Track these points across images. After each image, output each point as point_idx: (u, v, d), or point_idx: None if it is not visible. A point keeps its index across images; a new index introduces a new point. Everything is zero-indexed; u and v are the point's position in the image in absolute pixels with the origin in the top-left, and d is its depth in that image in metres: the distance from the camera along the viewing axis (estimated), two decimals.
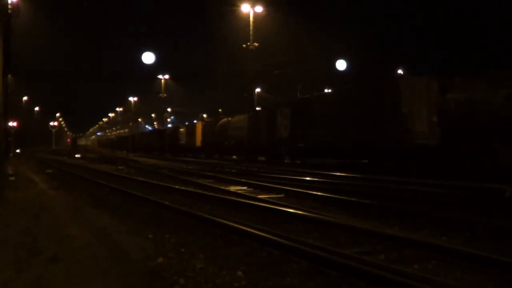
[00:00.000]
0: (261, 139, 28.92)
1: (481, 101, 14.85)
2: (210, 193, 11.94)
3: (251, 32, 37.34)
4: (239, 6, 37.15)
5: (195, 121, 60.44)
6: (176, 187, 13.61)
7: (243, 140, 31.89)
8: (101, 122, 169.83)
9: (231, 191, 12.60)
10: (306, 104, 24.44)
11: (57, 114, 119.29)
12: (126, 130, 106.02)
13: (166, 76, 63.36)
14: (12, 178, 17.74)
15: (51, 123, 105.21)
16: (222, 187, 13.48)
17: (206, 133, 40.61)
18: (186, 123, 63.70)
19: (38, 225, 7.97)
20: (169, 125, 71.74)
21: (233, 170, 20.97)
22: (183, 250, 6.12)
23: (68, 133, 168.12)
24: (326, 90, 34.85)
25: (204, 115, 77.47)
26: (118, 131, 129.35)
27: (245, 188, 13.77)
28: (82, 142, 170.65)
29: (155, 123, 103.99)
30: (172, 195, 12.13)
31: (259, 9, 37.24)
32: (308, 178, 15.55)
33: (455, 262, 5.25)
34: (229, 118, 36.77)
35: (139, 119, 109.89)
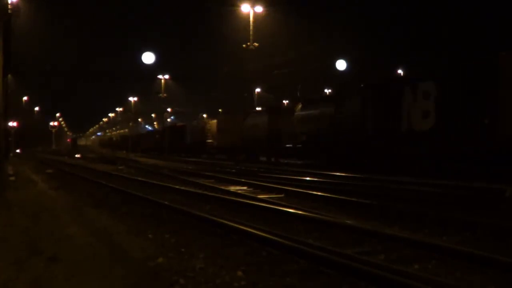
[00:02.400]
0: (363, 134, 18.62)
1: None
2: (210, 193, 11.94)
3: (251, 32, 37.36)
4: (239, 6, 37.19)
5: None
6: (176, 187, 13.60)
7: (322, 135, 21.21)
8: (101, 122, 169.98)
9: (231, 191, 12.60)
10: (477, 69, 14.26)
11: (57, 114, 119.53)
12: (127, 130, 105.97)
13: (166, 76, 63.38)
14: (12, 178, 17.75)
15: (51, 123, 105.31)
16: (222, 187, 13.48)
17: (250, 128, 30.35)
18: (220, 114, 50.23)
19: (38, 225, 7.97)
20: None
21: (233, 170, 20.96)
22: (183, 250, 6.12)
23: (68, 133, 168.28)
24: (326, 90, 34.51)
25: (204, 115, 77.44)
26: (118, 131, 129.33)
27: (245, 188, 13.77)
28: (82, 142, 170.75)
29: (155, 123, 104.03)
30: (172, 195, 12.13)
31: (259, 9, 37.29)
32: (308, 178, 15.53)
33: (455, 262, 5.25)
34: (297, 105, 26.07)
35: (139, 119, 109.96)
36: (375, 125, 18.20)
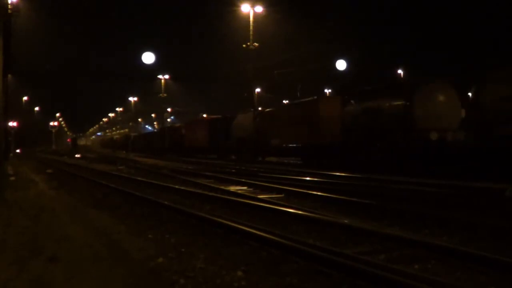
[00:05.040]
0: None
1: None
2: (210, 193, 11.94)
3: (251, 32, 37.33)
4: (239, 6, 37.16)
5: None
6: (176, 187, 13.60)
7: None
8: (101, 122, 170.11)
9: (231, 191, 12.59)
10: None
11: (57, 114, 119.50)
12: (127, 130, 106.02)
13: (166, 76, 63.40)
14: (12, 178, 17.76)
15: (51, 123, 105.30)
16: (222, 187, 13.48)
17: (358, 117, 19.53)
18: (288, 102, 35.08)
19: (38, 225, 7.97)
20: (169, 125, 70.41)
21: (233, 170, 20.95)
22: (183, 250, 6.12)
23: (68, 133, 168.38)
24: (326, 91, 34.45)
25: (204, 115, 77.55)
26: (119, 132, 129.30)
27: (245, 188, 13.77)
28: (82, 142, 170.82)
29: (155, 123, 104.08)
30: (172, 195, 12.13)
31: (259, 9, 37.26)
32: (308, 178, 15.53)
33: (455, 262, 5.25)
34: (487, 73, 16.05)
35: (139, 119, 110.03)
36: None
